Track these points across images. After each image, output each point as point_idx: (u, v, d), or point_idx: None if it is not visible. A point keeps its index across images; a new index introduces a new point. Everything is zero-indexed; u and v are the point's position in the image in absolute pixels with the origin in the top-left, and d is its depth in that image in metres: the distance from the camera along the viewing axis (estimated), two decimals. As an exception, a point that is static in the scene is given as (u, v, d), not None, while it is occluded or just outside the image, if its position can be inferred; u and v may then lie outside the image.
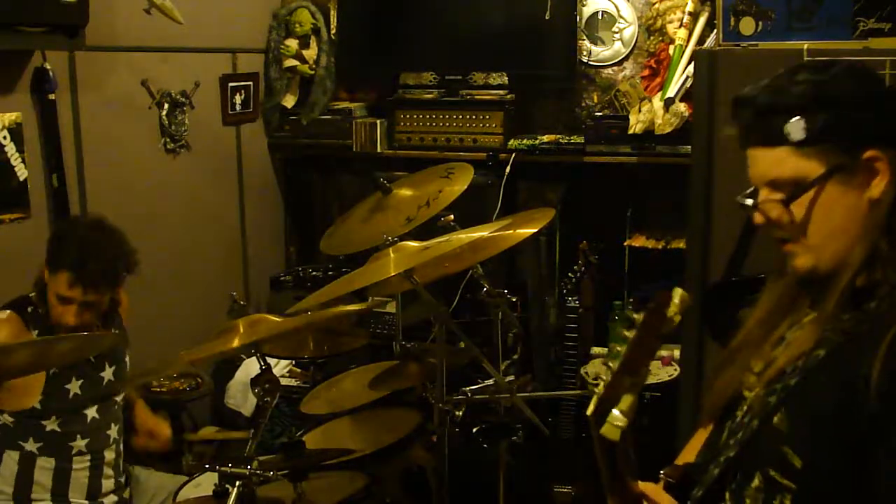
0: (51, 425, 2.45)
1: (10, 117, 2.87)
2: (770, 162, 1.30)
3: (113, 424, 2.60)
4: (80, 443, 2.50)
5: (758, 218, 1.34)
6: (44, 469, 2.46)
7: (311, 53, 4.05)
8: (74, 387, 2.49)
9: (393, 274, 2.17)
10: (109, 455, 2.58)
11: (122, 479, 2.66)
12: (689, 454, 1.59)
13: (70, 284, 2.36)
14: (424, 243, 2.27)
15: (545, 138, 3.79)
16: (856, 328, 1.24)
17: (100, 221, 2.56)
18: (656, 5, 3.65)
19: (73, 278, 2.35)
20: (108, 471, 2.58)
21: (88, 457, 2.52)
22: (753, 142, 1.33)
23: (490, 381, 2.73)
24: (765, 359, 1.36)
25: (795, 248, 1.32)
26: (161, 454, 2.88)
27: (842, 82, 1.28)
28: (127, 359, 2.67)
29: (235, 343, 2.15)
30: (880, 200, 1.26)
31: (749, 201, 1.35)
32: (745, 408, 1.37)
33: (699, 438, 1.56)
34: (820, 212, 1.28)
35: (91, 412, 2.53)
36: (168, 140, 3.57)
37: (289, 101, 4.11)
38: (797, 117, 1.26)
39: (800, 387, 1.27)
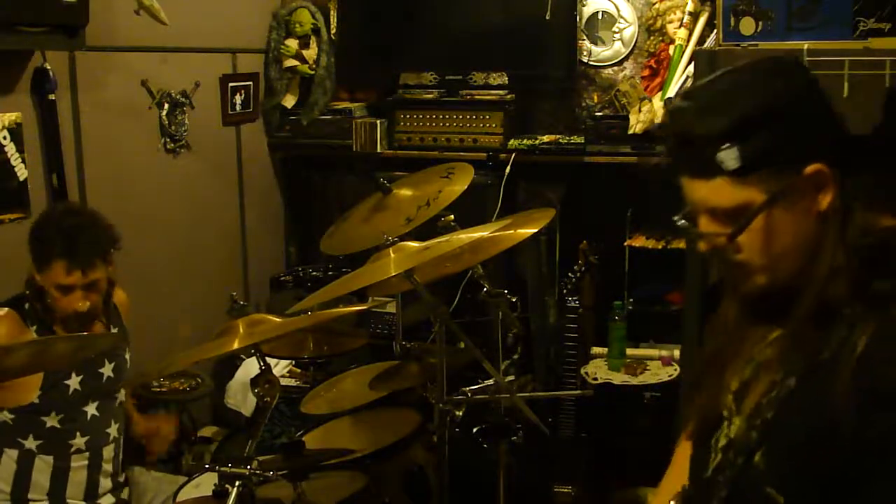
0: (51, 421, 2.46)
1: (10, 117, 2.87)
2: (706, 192, 1.24)
3: (113, 422, 2.60)
4: (80, 440, 2.50)
5: (702, 246, 1.28)
6: (42, 468, 2.46)
7: (311, 53, 4.05)
8: (74, 382, 2.49)
9: (393, 274, 2.17)
10: (108, 454, 2.58)
11: (121, 480, 2.66)
12: (673, 477, 1.56)
13: (67, 271, 2.37)
14: (424, 243, 2.27)
15: (545, 138, 3.79)
16: (821, 354, 1.19)
17: (71, 206, 2.70)
18: (656, 5, 3.65)
19: (67, 264, 2.37)
20: (106, 470, 2.58)
21: (87, 455, 2.52)
22: (685, 171, 1.26)
23: (490, 381, 2.73)
24: (740, 376, 1.33)
25: (746, 269, 1.27)
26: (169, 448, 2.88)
27: (772, 95, 1.20)
28: (127, 356, 2.67)
29: (235, 345, 2.15)
30: (829, 213, 1.21)
31: (686, 223, 1.28)
32: (726, 433, 1.33)
33: (682, 456, 1.53)
34: (768, 235, 1.22)
35: (91, 409, 2.53)
36: (168, 140, 3.57)
37: (289, 101, 4.11)
38: (729, 145, 1.19)
39: (775, 420, 1.23)
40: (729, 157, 1.19)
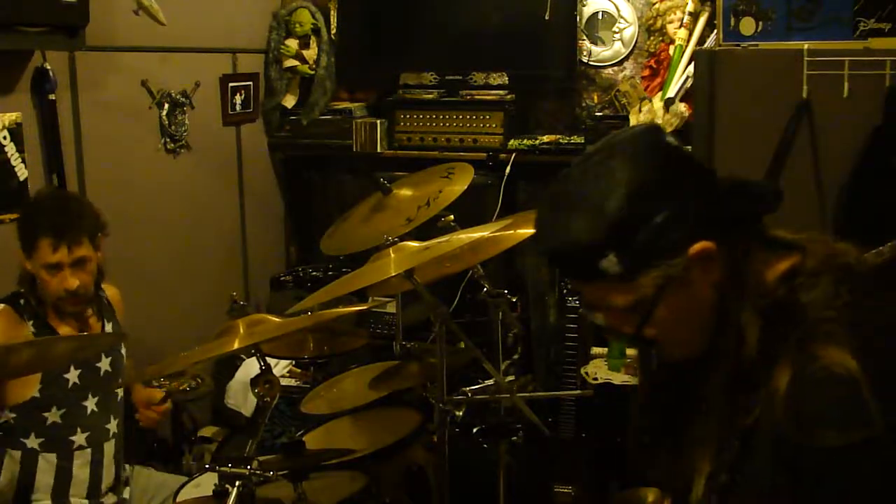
0: (52, 417, 2.46)
1: (10, 117, 2.87)
2: (597, 296, 1.25)
3: (112, 418, 2.61)
4: (81, 437, 2.51)
5: (610, 337, 1.30)
6: (45, 467, 2.47)
7: (311, 53, 4.05)
8: (73, 376, 2.50)
9: (393, 274, 2.17)
10: (109, 449, 2.58)
11: (122, 477, 2.67)
12: None
13: (53, 248, 2.38)
14: (424, 243, 2.27)
15: (545, 138, 3.79)
16: (748, 417, 1.19)
17: (55, 190, 2.78)
18: (656, 5, 3.65)
19: (53, 241, 2.38)
20: (108, 466, 2.58)
21: (89, 451, 2.53)
22: (569, 277, 1.27)
23: (490, 381, 2.73)
24: (697, 430, 1.32)
25: (658, 347, 1.28)
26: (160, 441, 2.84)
27: (637, 191, 1.17)
28: (123, 350, 2.68)
29: (235, 345, 2.15)
30: (723, 282, 1.21)
31: (595, 317, 1.28)
32: (696, 492, 1.32)
33: None
34: (670, 316, 1.23)
35: (91, 404, 2.54)
36: (168, 140, 3.57)
37: (289, 101, 4.11)
38: (607, 254, 1.18)
39: (730, 484, 1.23)
40: (609, 264, 1.18)
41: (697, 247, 1.19)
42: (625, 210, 1.17)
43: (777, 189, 1.27)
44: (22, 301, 2.48)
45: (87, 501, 2.54)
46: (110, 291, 2.73)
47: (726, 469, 1.23)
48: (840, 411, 1.11)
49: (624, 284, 1.20)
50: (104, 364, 2.59)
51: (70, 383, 2.49)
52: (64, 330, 2.50)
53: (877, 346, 1.14)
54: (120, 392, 2.66)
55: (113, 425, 2.61)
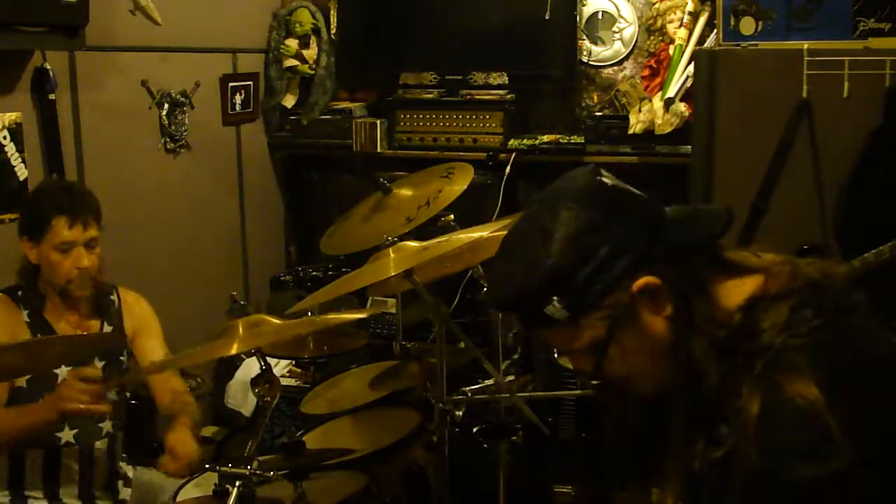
0: None
1: (10, 117, 2.87)
2: (553, 340, 1.28)
3: (106, 417, 2.57)
4: (68, 433, 2.46)
5: (580, 377, 1.32)
6: (34, 463, 2.45)
7: (311, 53, 4.06)
8: (63, 373, 2.45)
9: (393, 274, 2.17)
10: (101, 448, 2.56)
11: (118, 479, 2.64)
12: None
13: (69, 225, 2.40)
14: (424, 243, 2.27)
15: (545, 138, 3.79)
16: (718, 450, 1.20)
17: (57, 179, 2.86)
18: (656, 5, 3.65)
19: (68, 219, 2.40)
20: (100, 465, 2.55)
21: (77, 449, 2.49)
22: (527, 326, 1.30)
23: (490, 381, 2.73)
24: (669, 466, 1.33)
25: (625, 384, 1.29)
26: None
27: (574, 239, 1.19)
28: (123, 357, 2.65)
29: (234, 349, 2.14)
30: (675, 314, 1.21)
31: (563, 359, 1.31)
32: None
33: None
34: (626, 357, 1.24)
35: None
36: (168, 140, 3.57)
37: (289, 101, 4.11)
38: (551, 300, 1.20)
39: None
40: (554, 310, 1.21)
41: (640, 282, 1.19)
42: (563, 256, 1.19)
43: (729, 212, 1.27)
44: (19, 292, 2.49)
45: (79, 503, 2.53)
46: (128, 296, 2.71)
47: (707, 500, 1.23)
48: (805, 445, 1.10)
49: (574, 328, 1.23)
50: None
51: (59, 379, 2.45)
52: (60, 325, 2.50)
53: (842, 372, 1.13)
54: (112, 395, 2.62)
55: (107, 424, 2.56)
